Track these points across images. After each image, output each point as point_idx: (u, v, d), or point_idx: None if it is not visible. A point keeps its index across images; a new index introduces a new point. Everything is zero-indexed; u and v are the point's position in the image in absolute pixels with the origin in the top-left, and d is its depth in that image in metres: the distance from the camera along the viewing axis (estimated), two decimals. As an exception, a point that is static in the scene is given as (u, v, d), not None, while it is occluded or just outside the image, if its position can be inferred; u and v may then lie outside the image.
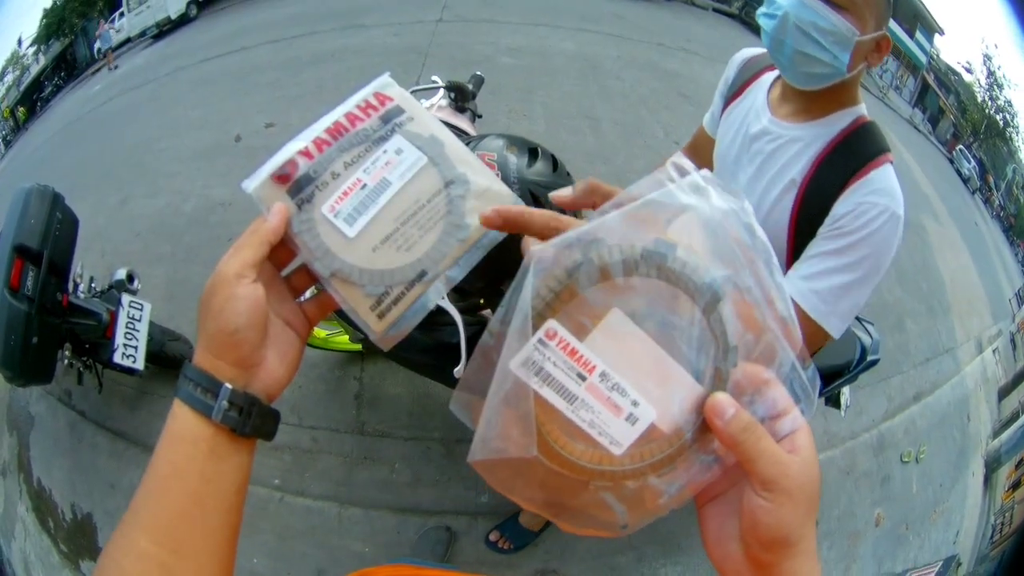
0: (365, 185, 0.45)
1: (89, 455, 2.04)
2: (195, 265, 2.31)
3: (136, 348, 1.86)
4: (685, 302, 0.34)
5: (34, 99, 4.90)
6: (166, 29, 3.76)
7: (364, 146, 0.46)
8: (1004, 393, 1.96)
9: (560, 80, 2.61)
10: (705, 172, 0.37)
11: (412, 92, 1.88)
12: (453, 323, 1.37)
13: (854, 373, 1.33)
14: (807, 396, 0.36)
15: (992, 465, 1.82)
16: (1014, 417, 1.85)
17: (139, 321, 1.90)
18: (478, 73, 1.83)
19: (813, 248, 0.91)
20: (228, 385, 0.41)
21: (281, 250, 0.44)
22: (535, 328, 0.33)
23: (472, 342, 1.35)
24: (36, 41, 4.91)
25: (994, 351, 2.08)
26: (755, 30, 3.36)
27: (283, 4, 2.98)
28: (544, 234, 0.38)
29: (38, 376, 1.77)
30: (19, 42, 4.85)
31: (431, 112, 1.82)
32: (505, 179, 0.92)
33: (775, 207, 0.96)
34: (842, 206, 0.88)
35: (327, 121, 0.47)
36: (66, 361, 1.83)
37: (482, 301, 1.11)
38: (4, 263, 1.64)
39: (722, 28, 3.20)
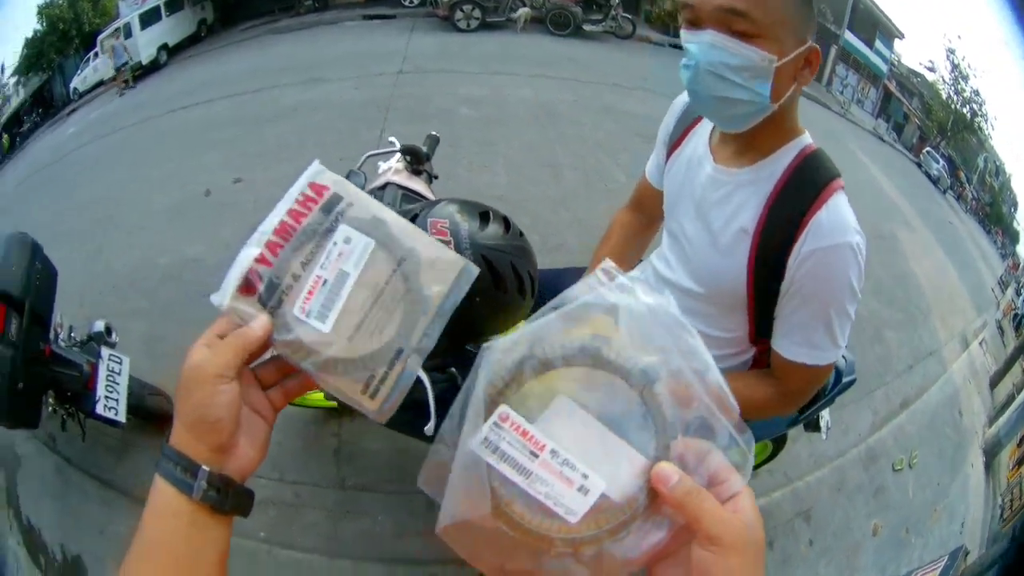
0: (326, 281, 0.49)
1: (77, 499, 2.06)
2: (171, 323, 2.31)
3: (117, 400, 1.87)
4: (623, 387, 0.40)
5: (12, 133, 4.86)
6: (138, 74, 3.76)
7: (314, 242, 0.49)
8: (996, 380, 1.97)
9: (519, 129, 2.66)
10: (632, 274, 0.43)
11: (369, 156, 1.92)
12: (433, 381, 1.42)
13: (830, 396, 1.31)
14: (745, 460, 0.40)
15: (993, 451, 1.82)
16: (1009, 400, 1.87)
17: (119, 374, 1.92)
18: (433, 133, 1.86)
19: (785, 307, 0.91)
20: (205, 467, 0.46)
21: (254, 353, 0.49)
22: (488, 414, 0.40)
23: (441, 399, 1.39)
24: (17, 72, 4.86)
25: (981, 343, 2.11)
26: None
27: (244, 56, 2.98)
28: None
29: (26, 420, 1.77)
30: (1, 70, 4.80)
31: (387, 175, 1.86)
32: (458, 245, 0.92)
33: (727, 257, 0.94)
34: (796, 256, 0.86)
35: (273, 221, 0.50)
36: (50, 408, 1.85)
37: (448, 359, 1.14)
38: None
39: (679, 62, 3.29)
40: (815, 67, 0.86)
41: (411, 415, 1.39)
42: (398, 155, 1.79)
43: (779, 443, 1.60)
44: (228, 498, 0.47)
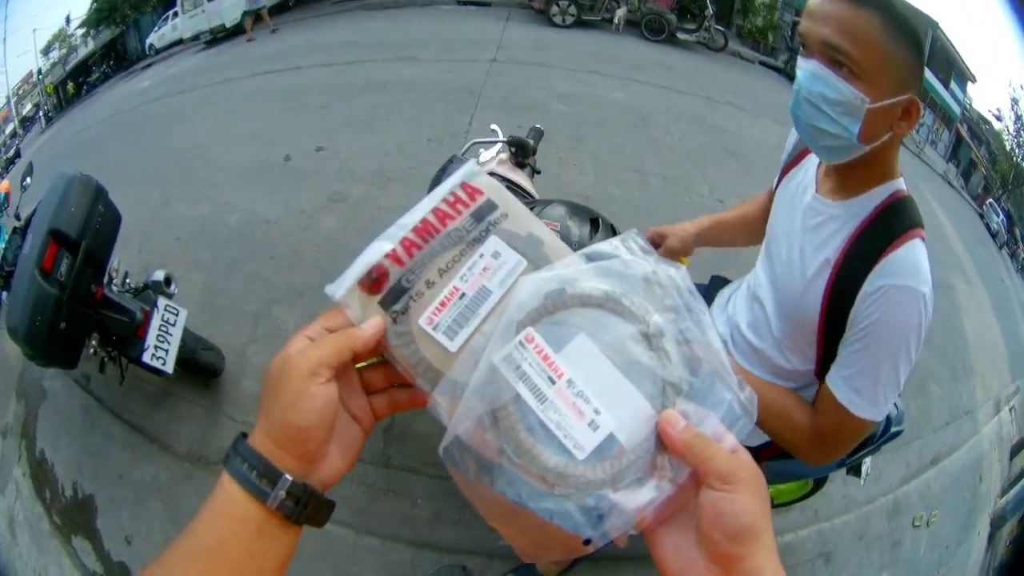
0: (464, 295, 0.43)
1: (101, 441, 2.05)
2: (236, 279, 2.32)
3: (167, 351, 1.86)
4: (637, 337, 0.41)
5: (80, 81, 4.98)
6: (220, 37, 3.82)
7: (458, 248, 0.44)
8: (1016, 451, 1.95)
9: (610, 130, 2.64)
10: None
11: (473, 143, 1.88)
12: None
13: (877, 444, 1.31)
14: (747, 413, 0.41)
15: (997, 523, 1.80)
16: (1022, 475, 1.85)
17: (173, 325, 1.91)
18: (538, 126, 1.81)
19: (846, 342, 0.91)
20: (288, 476, 0.41)
21: (358, 357, 0.43)
22: (516, 334, 0.40)
23: None
24: (86, 24, 4.99)
25: (1010, 410, 2.07)
26: None
27: (334, 29, 3.00)
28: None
29: (62, 360, 1.77)
30: (67, 20, 4.93)
31: (491, 164, 1.81)
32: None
33: (810, 286, 0.96)
34: (864, 290, 0.87)
35: (414, 218, 0.45)
36: (91, 350, 1.84)
37: None
38: (38, 245, 1.65)
39: (767, 81, 3.22)
40: (914, 120, 0.86)
41: None
42: (501, 145, 1.75)
43: (819, 483, 1.62)
44: (306, 509, 0.42)
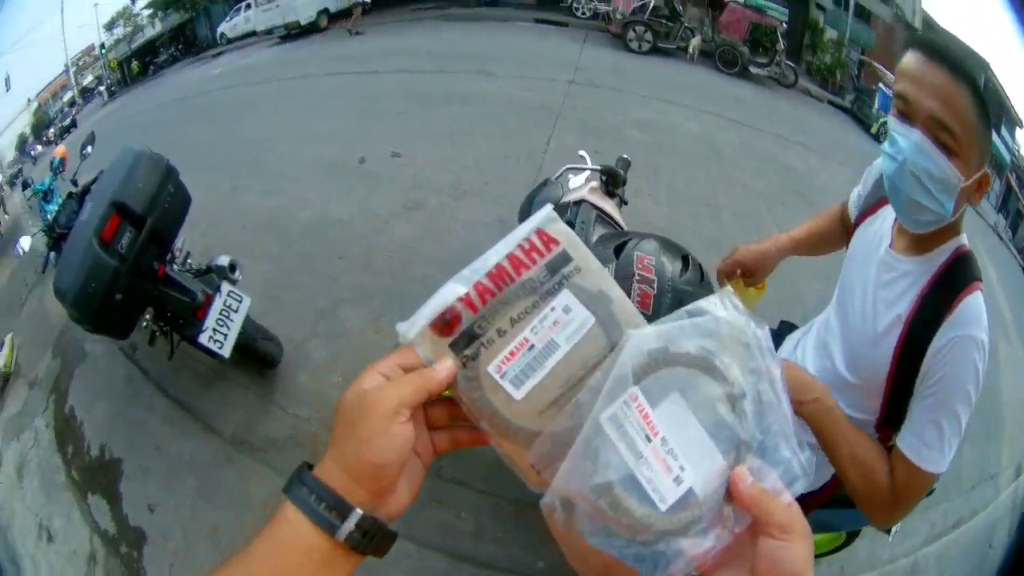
0: (533, 346, 0.45)
1: (140, 411, 2.09)
2: (302, 274, 2.36)
3: (226, 336, 1.89)
4: (721, 396, 0.45)
5: (146, 61, 5.09)
6: (294, 33, 3.89)
7: (531, 300, 0.46)
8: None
9: (684, 161, 2.65)
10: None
11: (566, 169, 1.90)
12: None
13: None
14: (804, 474, 0.46)
15: None
16: None
17: (235, 312, 1.93)
18: (626, 156, 1.83)
19: (917, 397, 0.94)
20: (359, 511, 0.42)
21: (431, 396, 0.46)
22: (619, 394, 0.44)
23: None
24: (153, 6, 5.11)
25: None
26: (866, 127, 3.29)
27: (411, 36, 3.03)
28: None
29: (113, 330, 1.80)
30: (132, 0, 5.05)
31: (582, 191, 1.84)
32: (660, 285, 0.94)
33: (882, 340, 0.98)
34: (935, 345, 0.91)
35: (489, 263, 0.46)
36: (144, 323, 1.89)
37: None
38: (99, 214, 1.68)
39: (835, 121, 3.20)
40: (984, 191, 0.90)
41: None
42: (590, 172, 1.78)
43: (852, 536, 1.61)
44: (372, 541, 0.44)
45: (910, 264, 0.98)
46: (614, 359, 0.45)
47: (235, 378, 2.11)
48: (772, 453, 0.46)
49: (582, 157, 1.81)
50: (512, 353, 0.45)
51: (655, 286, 0.94)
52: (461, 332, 0.45)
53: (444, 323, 0.45)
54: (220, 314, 1.88)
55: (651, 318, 0.94)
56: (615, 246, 1.00)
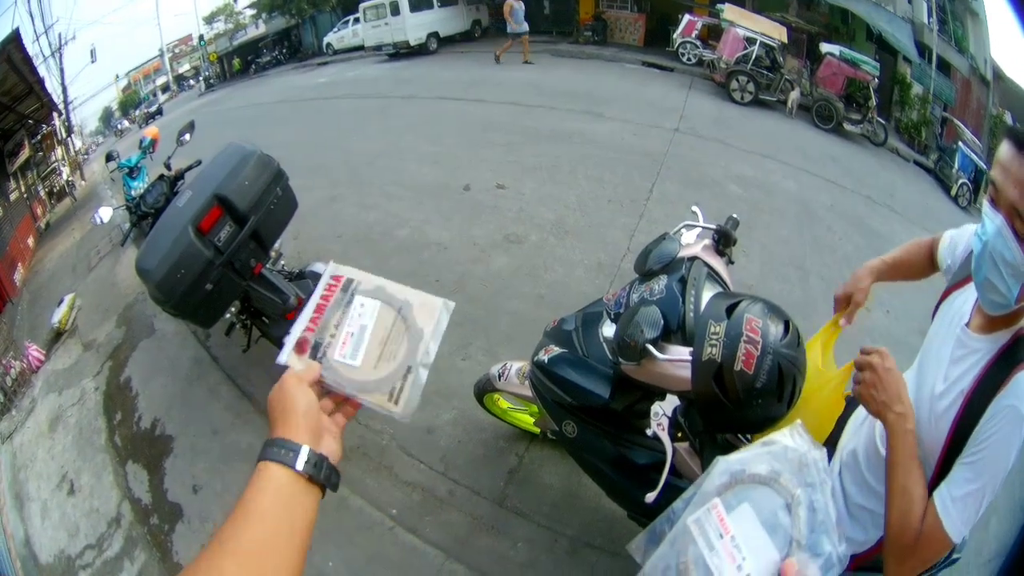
0: (353, 333, 0.70)
1: (204, 395, 2.13)
2: None
3: None
4: (783, 506, 0.61)
5: (248, 59, 5.36)
6: (403, 52, 4.02)
7: (340, 310, 0.71)
8: None
9: (778, 220, 2.66)
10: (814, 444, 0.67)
11: (684, 225, 1.97)
12: (641, 445, 1.44)
13: (938, 569, 1.34)
14: (840, 563, 0.59)
15: None
16: None
17: None
18: (735, 216, 1.87)
19: (961, 458, 0.97)
20: (306, 447, 0.59)
21: (315, 387, 0.66)
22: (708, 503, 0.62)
23: (642, 467, 1.42)
24: (257, 7, 5.37)
25: None
26: (946, 188, 3.21)
27: (521, 68, 3.12)
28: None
29: (199, 318, 1.82)
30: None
31: (695, 248, 1.90)
32: (764, 347, 0.99)
33: (945, 413, 1.02)
34: (988, 413, 0.94)
35: (311, 307, 0.71)
36: (228, 315, 1.92)
37: (680, 435, 1.18)
38: (199, 204, 1.70)
39: (921, 185, 3.15)
40: None
41: (615, 470, 1.39)
42: (702, 230, 1.82)
43: None
44: (322, 471, 0.59)
45: (980, 343, 1.01)
46: (704, 476, 0.67)
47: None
48: (816, 547, 0.59)
49: (694, 213, 1.86)
50: (344, 343, 0.69)
51: (759, 347, 0.99)
52: (312, 346, 0.69)
53: (300, 345, 0.69)
54: None
55: (753, 376, 1.01)
56: (727, 306, 1.05)
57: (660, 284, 1.64)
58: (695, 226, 1.84)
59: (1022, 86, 2.88)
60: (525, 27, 3.46)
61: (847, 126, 3.25)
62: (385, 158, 3.10)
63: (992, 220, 0.90)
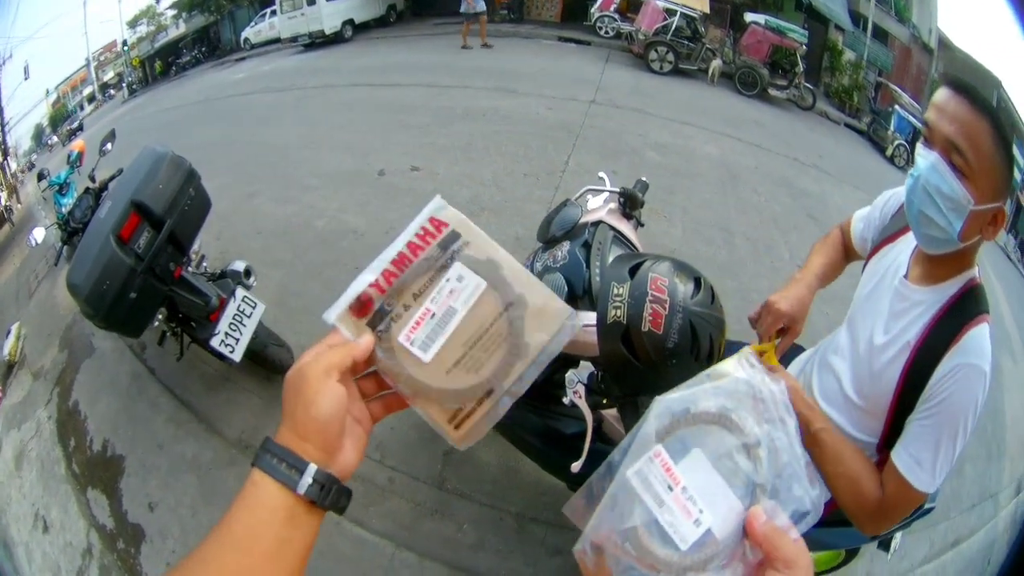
0: (434, 315, 0.51)
1: (146, 409, 2.09)
2: (314, 282, 2.36)
3: (237, 340, 1.88)
4: (739, 447, 0.51)
5: (169, 61, 5.13)
6: (318, 42, 3.92)
7: (428, 276, 0.52)
8: None
9: (700, 185, 2.64)
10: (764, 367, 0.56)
11: (586, 190, 1.90)
12: (568, 415, 1.40)
13: (911, 520, 1.32)
14: (814, 509, 0.51)
15: None
16: None
17: (248, 317, 1.92)
18: (644, 179, 1.83)
19: (913, 418, 0.97)
20: (314, 465, 0.48)
21: (353, 368, 0.52)
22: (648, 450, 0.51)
23: (571, 437, 1.37)
24: (178, 7, 5.15)
25: None
26: (881, 150, 3.27)
27: (434, 50, 3.06)
28: None
29: (126, 328, 1.79)
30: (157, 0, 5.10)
31: (600, 212, 1.84)
32: (672, 306, 0.96)
33: (889, 366, 1.02)
34: (939, 372, 0.94)
35: (392, 252, 0.53)
36: (156, 323, 1.88)
37: (604, 401, 1.13)
38: (118, 213, 1.67)
39: (852, 145, 3.19)
40: (999, 226, 0.94)
41: (544, 442, 1.37)
42: (608, 194, 1.78)
43: (851, 554, 1.61)
44: (330, 495, 0.49)
45: (923, 294, 1.01)
46: (641, 421, 0.52)
47: (242, 382, 2.12)
48: (785, 493, 0.51)
49: (601, 179, 1.81)
50: (417, 322, 0.51)
51: (667, 306, 0.96)
52: (374, 312, 0.51)
53: (360, 305, 0.51)
54: (233, 319, 1.88)
55: (663, 336, 0.95)
56: (630, 266, 1.01)
57: (563, 250, 1.57)
58: (598, 190, 1.78)
59: (971, 55, 2.91)
60: (482, 6, 3.36)
61: (772, 91, 3.25)
62: (301, 150, 3.06)
63: (925, 157, 0.91)
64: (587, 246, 1.50)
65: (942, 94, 0.90)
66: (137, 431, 2.01)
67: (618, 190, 1.73)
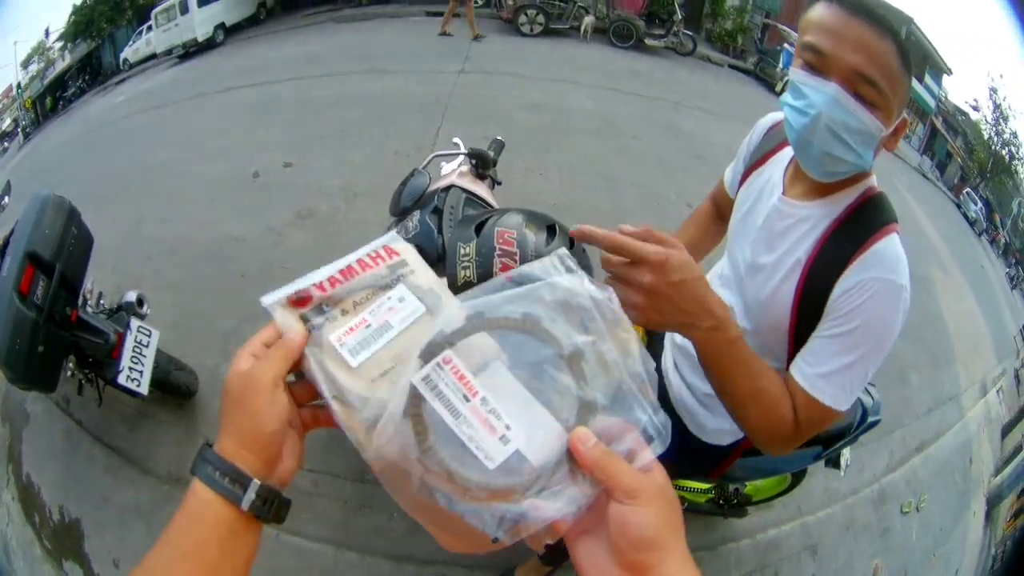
0: (370, 325, 0.51)
1: (83, 464, 2.04)
2: (205, 296, 2.30)
3: (141, 372, 1.83)
4: (555, 358, 0.45)
5: (57, 96, 4.88)
6: (192, 51, 3.78)
7: (371, 290, 0.53)
8: (1007, 430, 1.96)
9: (578, 139, 2.64)
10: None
11: (435, 156, 1.88)
12: None
13: (854, 435, 1.32)
14: (660, 436, 0.45)
15: (994, 501, 1.82)
16: (1016, 451, 1.85)
17: (146, 347, 1.88)
18: (499, 138, 1.82)
19: (818, 332, 0.89)
20: (257, 480, 0.46)
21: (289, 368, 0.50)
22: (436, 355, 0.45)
23: None
24: (64, 37, 4.90)
25: (998, 391, 2.08)
26: (770, 86, 3.33)
27: (305, 42, 2.99)
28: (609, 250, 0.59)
29: (41, 384, 1.74)
30: (46, 33, 4.85)
31: (451, 176, 1.82)
32: (523, 257, 0.92)
33: (780, 288, 0.95)
34: (842, 285, 0.86)
35: (341, 264, 0.53)
36: (69, 372, 1.83)
37: None
38: (16, 268, 1.63)
39: (737, 85, 3.23)
40: (900, 136, 0.88)
41: None
42: (463, 157, 1.75)
43: (798, 476, 1.61)
44: (272, 508, 0.48)
45: (808, 209, 0.93)
46: (404, 340, 0.49)
47: (158, 414, 2.07)
48: (623, 415, 0.45)
49: (455, 144, 1.78)
50: (352, 328, 0.51)
51: (517, 259, 0.92)
52: (311, 307, 0.51)
53: (298, 299, 0.51)
54: (133, 351, 1.84)
55: None
56: (476, 224, 0.96)
57: (414, 220, 1.53)
58: (446, 154, 1.74)
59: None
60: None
61: (649, 41, 3.26)
62: (181, 165, 2.96)
63: (821, 89, 0.82)
64: (438, 212, 1.47)
65: (832, 14, 0.81)
66: (82, 490, 1.97)
67: (465, 151, 1.70)
